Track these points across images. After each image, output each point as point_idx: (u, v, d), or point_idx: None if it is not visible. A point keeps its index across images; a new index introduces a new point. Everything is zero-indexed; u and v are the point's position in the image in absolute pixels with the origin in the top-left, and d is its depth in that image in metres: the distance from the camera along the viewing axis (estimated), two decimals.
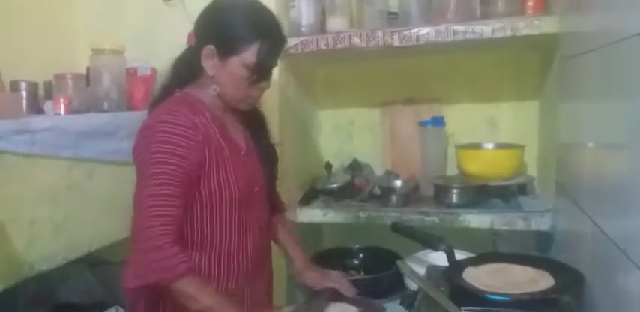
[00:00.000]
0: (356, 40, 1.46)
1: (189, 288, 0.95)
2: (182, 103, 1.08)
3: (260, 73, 1.08)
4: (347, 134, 1.90)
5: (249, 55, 1.05)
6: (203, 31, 1.10)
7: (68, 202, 1.17)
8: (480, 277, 1.01)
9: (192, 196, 1.04)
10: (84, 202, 1.21)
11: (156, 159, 0.98)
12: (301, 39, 1.49)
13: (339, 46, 1.47)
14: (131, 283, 0.94)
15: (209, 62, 1.08)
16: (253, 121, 1.23)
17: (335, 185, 1.61)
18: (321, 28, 1.56)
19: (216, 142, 1.08)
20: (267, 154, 1.24)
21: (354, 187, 1.63)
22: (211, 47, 1.07)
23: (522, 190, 1.55)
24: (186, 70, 1.13)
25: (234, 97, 1.12)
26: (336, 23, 1.54)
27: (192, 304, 0.96)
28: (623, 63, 0.81)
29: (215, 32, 1.08)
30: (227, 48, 1.06)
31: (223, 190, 1.07)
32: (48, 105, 1.29)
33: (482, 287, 0.95)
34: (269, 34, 1.07)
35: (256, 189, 1.16)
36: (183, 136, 1.01)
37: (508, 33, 1.33)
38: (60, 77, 1.36)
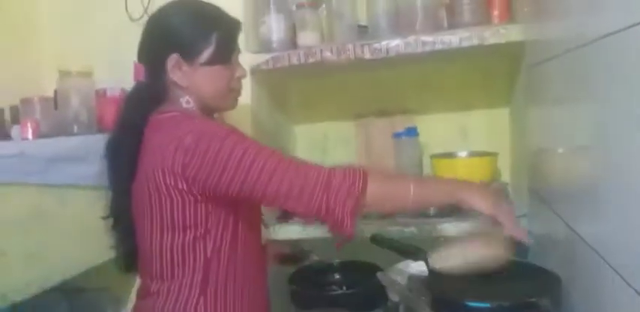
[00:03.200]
0: (327, 54, 1.47)
1: (381, 186, 0.95)
2: (192, 116, 1.04)
3: (224, 56, 1.07)
4: (322, 148, 1.90)
5: (214, 44, 1.05)
6: (157, 46, 1.07)
7: (40, 230, 1.15)
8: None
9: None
10: (57, 229, 1.19)
11: (240, 148, 0.93)
12: (272, 54, 1.50)
13: (310, 60, 1.48)
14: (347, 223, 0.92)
15: (178, 72, 1.05)
16: None
17: None
18: (291, 43, 1.56)
19: None
20: None
21: None
22: (175, 56, 1.04)
23: None
24: (148, 101, 1.07)
25: (218, 96, 1.10)
26: (307, 38, 1.56)
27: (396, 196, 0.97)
28: (585, 67, 0.82)
29: (172, 40, 1.05)
30: (193, 48, 1.04)
31: None
32: (15, 130, 1.27)
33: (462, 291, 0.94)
34: (222, 20, 1.08)
35: None
36: (231, 132, 0.97)
37: (475, 42, 1.36)
38: (27, 101, 1.35)
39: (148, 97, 1.08)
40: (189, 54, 1.04)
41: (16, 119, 1.36)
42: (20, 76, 1.57)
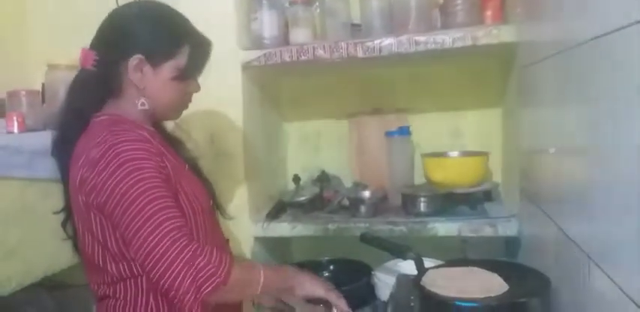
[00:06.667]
0: (320, 52, 1.45)
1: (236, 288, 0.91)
2: (117, 123, 0.99)
3: (193, 73, 1.06)
4: (314, 146, 1.89)
5: (184, 56, 1.02)
6: (123, 41, 1.01)
7: (22, 224, 1.12)
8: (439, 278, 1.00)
9: None
10: (39, 223, 1.16)
11: (134, 179, 0.88)
12: (264, 51, 1.48)
13: (302, 57, 1.46)
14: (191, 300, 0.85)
15: (138, 74, 1.00)
16: (173, 140, 1.18)
17: (303, 198, 1.59)
18: (284, 40, 1.55)
19: (167, 156, 1.01)
20: (199, 170, 1.18)
21: (322, 199, 1.62)
22: (140, 56, 0.99)
23: (488, 196, 1.55)
24: (95, 93, 1.03)
25: (170, 106, 1.07)
26: (300, 35, 1.54)
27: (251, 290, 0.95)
28: (576, 68, 0.82)
29: (143, 40, 1.01)
30: (161, 53, 1.01)
31: (193, 202, 1.00)
32: (0, 124, 1.25)
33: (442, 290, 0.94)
34: (196, 34, 1.06)
35: (211, 202, 1.13)
36: (144, 150, 0.92)
37: (468, 42, 1.35)
38: (13, 94, 1.31)
39: (96, 88, 1.03)
40: (158, 56, 1.01)
41: (1, 112, 1.34)
42: (7, 69, 1.54)
